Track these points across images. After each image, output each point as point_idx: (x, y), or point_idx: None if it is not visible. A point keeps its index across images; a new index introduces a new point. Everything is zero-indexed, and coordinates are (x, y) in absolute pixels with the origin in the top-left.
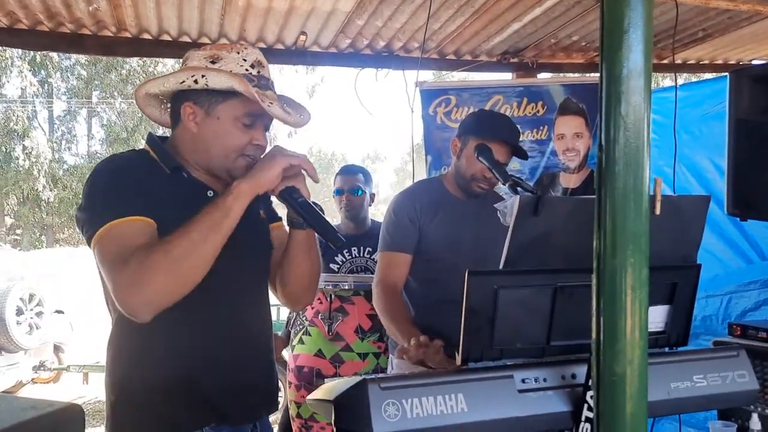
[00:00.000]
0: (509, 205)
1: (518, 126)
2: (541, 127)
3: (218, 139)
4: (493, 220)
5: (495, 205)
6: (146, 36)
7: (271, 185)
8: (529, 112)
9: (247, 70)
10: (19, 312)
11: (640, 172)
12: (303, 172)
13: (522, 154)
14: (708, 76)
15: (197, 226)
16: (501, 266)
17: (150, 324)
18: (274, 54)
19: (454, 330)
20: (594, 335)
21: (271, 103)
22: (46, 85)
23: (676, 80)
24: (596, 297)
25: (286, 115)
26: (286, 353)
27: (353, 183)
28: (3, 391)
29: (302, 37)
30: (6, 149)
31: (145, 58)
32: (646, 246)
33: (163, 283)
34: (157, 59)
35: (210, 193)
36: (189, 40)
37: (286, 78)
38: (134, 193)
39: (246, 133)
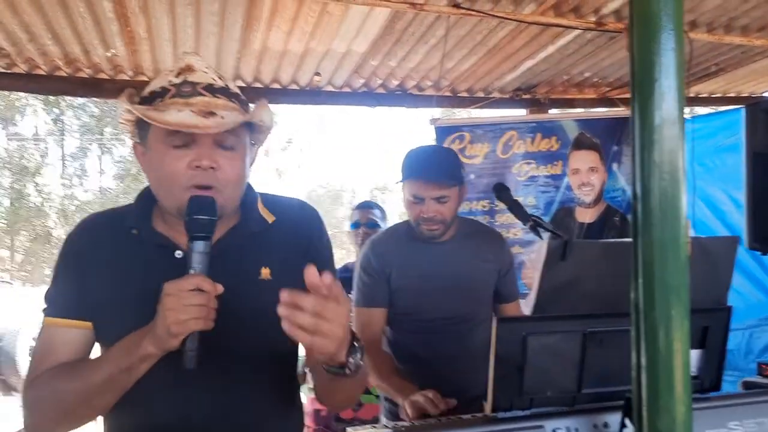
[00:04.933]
0: (536, 249)
1: (462, 163)
2: (556, 162)
3: (156, 172)
4: (470, 257)
5: (515, 252)
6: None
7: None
8: (543, 147)
9: (169, 81)
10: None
11: (677, 222)
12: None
13: (454, 182)
14: (720, 108)
15: (97, 377)
16: (530, 312)
17: None
18: (288, 94)
19: (443, 385)
20: (635, 391)
21: (181, 110)
22: (58, 122)
23: (690, 114)
24: (636, 351)
25: (196, 119)
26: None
27: (369, 217)
28: None
29: (317, 78)
30: (18, 186)
31: None
32: (686, 297)
33: (50, 423)
34: None
35: (178, 254)
36: None
37: (296, 111)
38: (78, 286)
39: (181, 158)
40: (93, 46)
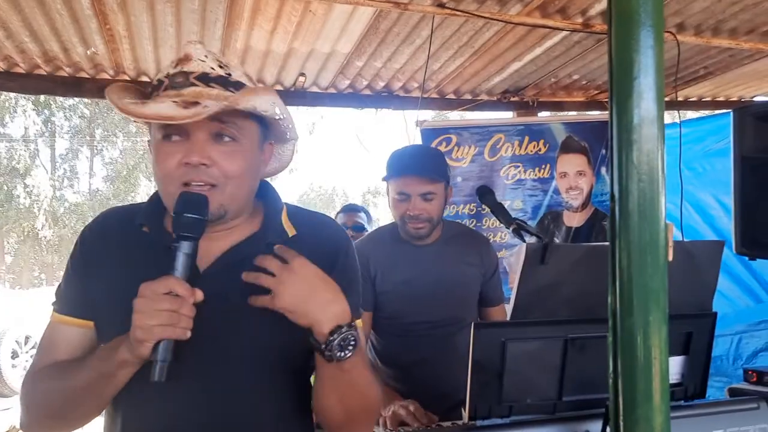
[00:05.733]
0: (515, 253)
1: (448, 162)
2: (543, 166)
3: (154, 169)
4: (454, 260)
5: (500, 256)
6: (144, 78)
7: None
8: (531, 151)
9: (167, 73)
10: (14, 355)
11: (656, 224)
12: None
13: (441, 178)
14: (709, 112)
15: (79, 381)
16: (508, 317)
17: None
18: None
19: (427, 390)
20: (612, 399)
21: (162, 101)
22: (48, 124)
23: (680, 118)
24: (613, 358)
25: (173, 110)
26: None
27: (355, 220)
28: None
29: (301, 78)
30: (8, 188)
31: None
32: (665, 302)
33: (41, 421)
34: None
35: (201, 268)
36: None
37: None
38: (82, 283)
39: (173, 154)
40: (72, 44)
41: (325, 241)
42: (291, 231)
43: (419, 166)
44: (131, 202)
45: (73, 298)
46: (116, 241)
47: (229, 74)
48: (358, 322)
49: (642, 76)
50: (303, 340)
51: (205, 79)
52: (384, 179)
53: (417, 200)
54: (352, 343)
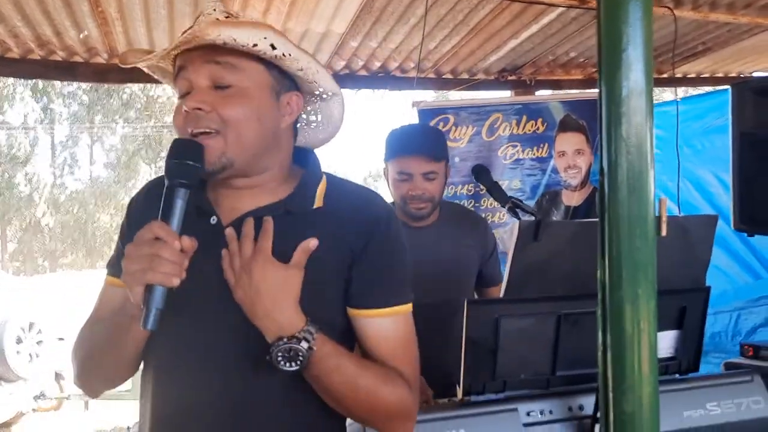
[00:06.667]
0: (508, 230)
1: (446, 139)
2: (542, 145)
3: None
4: (452, 242)
5: (496, 232)
6: (145, 49)
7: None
8: (529, 130)
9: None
10: (19, 341)
11: (644, 197)
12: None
13: (442, 157)
14: (709, 89)
15: (103, 333)
16: (502, 294)
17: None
18: None
19: (426, 370)
20: (601, 372)
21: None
22: (48, 111)
23: (676, 94)
24: (602, 331)
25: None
26: None
27: None
28: (3, 423)
29: None
30: (8, 176)
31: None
32: (654, 275)
33: (81, 375)
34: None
35: (213, 220)
36: None
37: None
38: (125, 246)
39: (181, 108)
40: (65, 28)
41: (359, 218)
42: (318, 202)
43: (421, 145)
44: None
45: (119, 262)
46: (155, 207)
47: (239, 20)
48: (398, 309)
49: (630, 48)
50: (331, 316)
51: (223, 9)
52: (385, 160)
53: (419, 180)
54: (300, 356)
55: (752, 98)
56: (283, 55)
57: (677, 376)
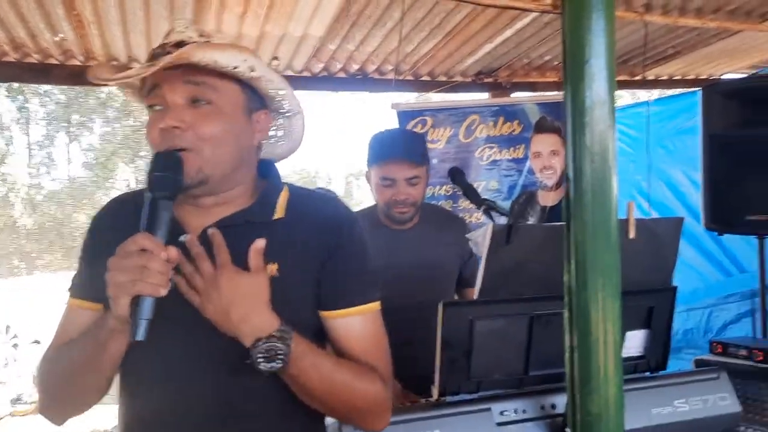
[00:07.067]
0: (480, 234)
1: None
2: (518, 146)
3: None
4: (434, 243)
5: (467, 236)
6: (115, 63)
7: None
8: (506, 131)
9: (153, 52)
10: None
11: (608, 203)
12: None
13: (424, 161)
14: (681, 90)
15: (78, 354)
16: (475, 296)
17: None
18: None
19: (409, 372)
20: (568, 373)
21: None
22: (23, 110)
23: (648, 97)
24: (569, 332)
25: (137, 71)
26: None
27: None
28: None
29: (275, 62)
30: None
31: None
32: (618, 278)
33: (49, 401)
34: None
35: (182, 238)
36: None
37: None
38: (91, 267)
39: (155, 124)
40: (39, 30)
41: (323, 225)
42: (279, 213)
43: (404, 150)
44: (125, 190)
45: (84, 283)
46: (123, 225)
47: (208, 42)
48: (365, 308)
49: (594, 59)
50: (303, 319)
51: (181, 45)
52: (368, 164)
53: (402, 185)
54: (280, 354)
55: (720, 101)
56: (260, 76)
57: (646, 374)
